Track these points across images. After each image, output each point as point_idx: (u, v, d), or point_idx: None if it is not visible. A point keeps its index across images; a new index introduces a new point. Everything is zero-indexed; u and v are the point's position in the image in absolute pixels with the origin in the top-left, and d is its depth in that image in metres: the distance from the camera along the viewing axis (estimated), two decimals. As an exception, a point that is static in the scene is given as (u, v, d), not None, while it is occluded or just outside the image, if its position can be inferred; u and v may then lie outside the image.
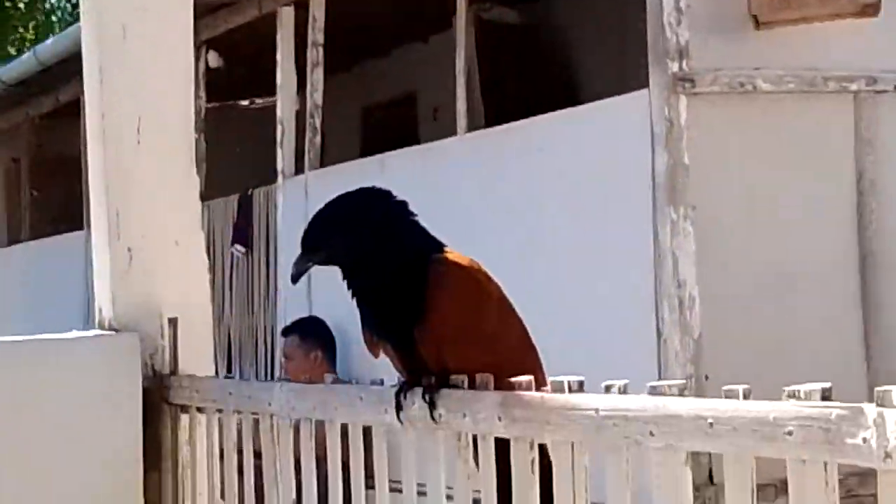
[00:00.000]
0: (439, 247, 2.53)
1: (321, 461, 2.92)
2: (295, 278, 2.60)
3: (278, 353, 7.16)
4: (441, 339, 2.44)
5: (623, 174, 5.30)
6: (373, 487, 2.73)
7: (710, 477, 4.81)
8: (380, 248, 2.49)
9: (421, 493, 2.61)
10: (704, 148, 5.10)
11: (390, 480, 2.69)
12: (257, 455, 3.23)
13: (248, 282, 7.77)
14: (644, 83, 5.18)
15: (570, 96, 7.02)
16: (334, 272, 6.80)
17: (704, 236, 5.06)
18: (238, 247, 7.77)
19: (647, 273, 5.12)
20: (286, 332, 6.94)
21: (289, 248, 7.30)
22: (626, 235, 5.26)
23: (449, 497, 2.53)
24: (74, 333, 3.58)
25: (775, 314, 5.08)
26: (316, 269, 7.19)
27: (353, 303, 2.58)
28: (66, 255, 9.79)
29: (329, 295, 6.89)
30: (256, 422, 3.21)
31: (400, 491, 2.63)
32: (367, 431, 2.79)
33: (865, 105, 5.23)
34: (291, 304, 7.26)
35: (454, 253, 2.53)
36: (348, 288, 2.56)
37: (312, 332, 6.76)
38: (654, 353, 4.98)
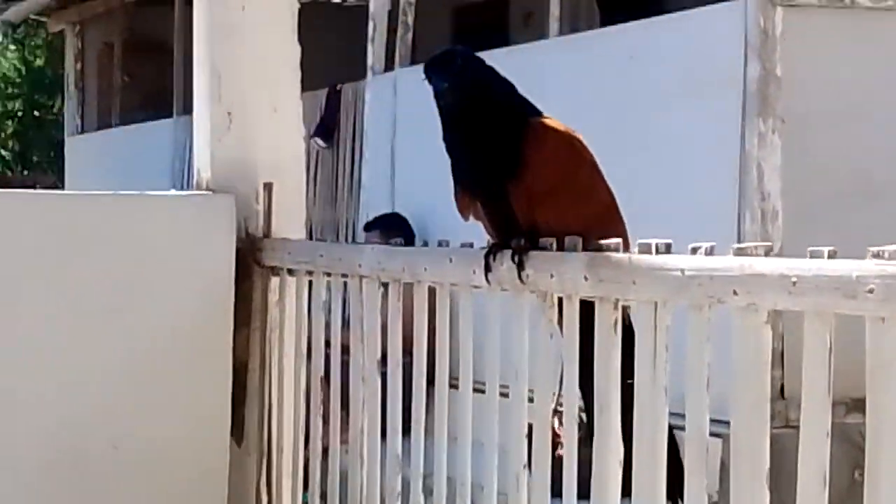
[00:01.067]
0: (538, 112, 2.61)
1: (406, 324, 3.01)
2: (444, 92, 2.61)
3: (358, 248, 7.24)
4: (533, 195, 2.52)
5: (714, 83, 5.31)
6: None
7: (782, 391, 4.87)
8: (491, 96, 2.57)
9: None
10: (797, 61, 5.09)
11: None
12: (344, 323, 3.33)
13: (333, 175, 7.88)
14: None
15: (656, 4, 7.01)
16: (416, 170, 6.84)
17: (791, 149, 5.07)
18: (318, 140, 7.85)
19: (731, 183, 5.15)
20: (368, 227, 7.03)
21: (375, 142, 7.39)
22: (714, 145, 5.28)
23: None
24: (173, 192, 3.69)
25: (857, 230, 5.08)
26: (399, 167, 7.21)
27: (449, 157, 2.64)
28: (154, 142, 9.95)
29: (411, 192, 6.98)
30: (345, 285, 3.32)
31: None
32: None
33: (964, 26, 5.19)
34: (374, 199, 7.36)
35: (552, 118, 2.61)
36: (450, 132, 2.60)
37: (394, 228, 6.83)
38: (733, 263, 5.03)
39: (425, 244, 3.07)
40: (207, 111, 3.67)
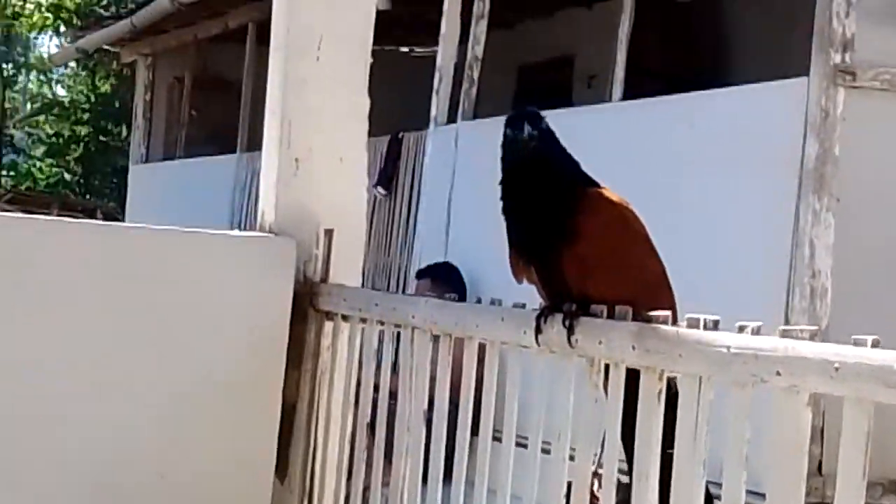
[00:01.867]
0: (595, 183, 2.70)
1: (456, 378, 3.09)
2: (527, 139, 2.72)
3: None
4: (586, 264, 2.60)
5: (772, 159, 5.36)
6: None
7: (819, 467, 4.89)
8: (557, 159, 2.65)
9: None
10: (857, 141, 5.14)
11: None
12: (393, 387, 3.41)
13: (389, 222, 7.98)
14: (803, 71, 5.23)
15: (718, 76, 7.08)
16: (472, 223, 6.89)
17: (845, 229, 5.11)
18: (380, 189, 7.97)
19: (783, 259, 5.18)
20: (420, 274, 7.11)
21: (432, 192, 7.49)
22: (768, 220, 5.32)
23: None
24: (237, 232, 3.80)
25: (904, 314, 5.11)
26: (455, 218, 7.29)
27: (504, 222, 2.72)
28: (216, 177, 10.11)
29: (465, 244, 7.06)
30: (397, 336, 3.40)
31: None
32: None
33: None
34: (427, 248, 7.45)
35: (608, 189, 2.69)
36: (510, 190, 2.68)
37: (445, 277, 6.92)
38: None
39: (478, 301, 3.14)
40: (276, 156, 3.77)
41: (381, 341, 3.48)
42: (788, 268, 5.15)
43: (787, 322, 5.08)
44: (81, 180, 18.27)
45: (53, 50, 20.36)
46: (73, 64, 18.54)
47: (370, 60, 3.85)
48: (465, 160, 7.17)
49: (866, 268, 5.17)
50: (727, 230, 5.51)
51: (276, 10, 3.83)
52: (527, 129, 2.67)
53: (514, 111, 2.76)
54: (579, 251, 2.60)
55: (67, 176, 18.47)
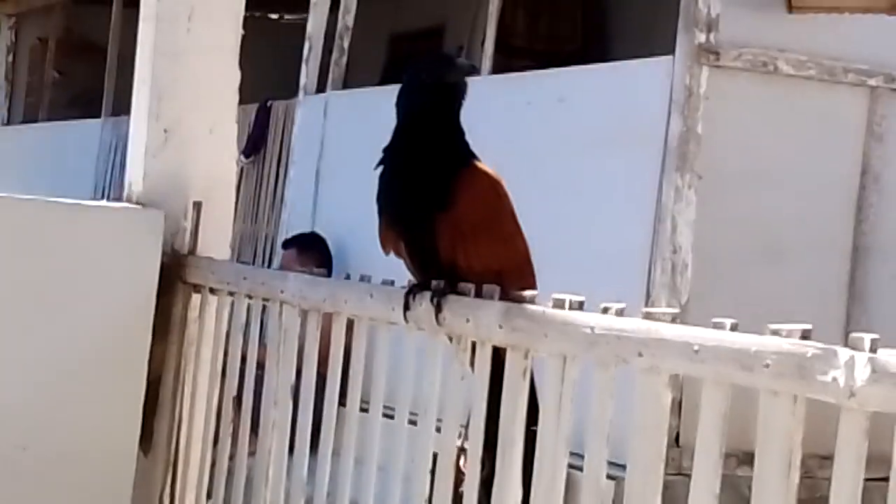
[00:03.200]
0: (474, 156, 2.73)
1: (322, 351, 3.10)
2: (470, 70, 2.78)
3: (275, 264, 7.32)
4: (458, 232, 2.61)
5: (637, 135, 5.44)
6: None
7: (677, 439, 5.01)
8: (455, 122, 2.69)
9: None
10: (719, 120, 5.24)
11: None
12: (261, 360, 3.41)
13: (256, 191, 7.93)
14: (670, 50, 5.32)
15: (595, 51, 7.17)
16: (340, 194, 6.84)
17: (706, 205, 5.22)
18: (242, 157, 7.90)
19: (645, 234, 5.27)
20: (286, 244, 7.08)
21: (301, 161, 7.46)
22: (632, 195, 5.41)
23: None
24: (104, 203, 3.76)
25: (763, 290, 5.24)
26: (323, 188, 7.27)
27: (379, 184, 2.72)
28: (80, 141, 9.93)
29: (333, 214, 7.06)
30: (264, 308, 3.40)
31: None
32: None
33: (880, 101, 5.38)
34: (295, 218, 7.43)
35: (484, 164, 2.73)
36: (392, 155, 2.69)
37: (311, 248, 6.91)
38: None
39: (347, 277, 3.16)
40: (145, 127, 3.74)
41: (248, 315, 3.47)
42: (651, 243, 5.25)
43: (648, 295, 5.17)
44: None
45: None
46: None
47: (241, 32, 3.82)
48: (334, 130, 7.16)
49: (726, 243, 5.28)
50: (592, 204, 5.59)
51: (145, -20, 3.79)
52: (461, 61, 2.71)
53: (429, 55, 2.78)
54: (453, 217, 2.61)
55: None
